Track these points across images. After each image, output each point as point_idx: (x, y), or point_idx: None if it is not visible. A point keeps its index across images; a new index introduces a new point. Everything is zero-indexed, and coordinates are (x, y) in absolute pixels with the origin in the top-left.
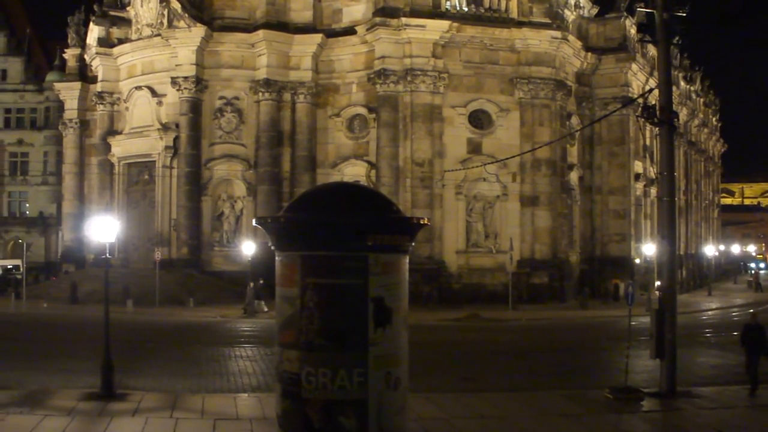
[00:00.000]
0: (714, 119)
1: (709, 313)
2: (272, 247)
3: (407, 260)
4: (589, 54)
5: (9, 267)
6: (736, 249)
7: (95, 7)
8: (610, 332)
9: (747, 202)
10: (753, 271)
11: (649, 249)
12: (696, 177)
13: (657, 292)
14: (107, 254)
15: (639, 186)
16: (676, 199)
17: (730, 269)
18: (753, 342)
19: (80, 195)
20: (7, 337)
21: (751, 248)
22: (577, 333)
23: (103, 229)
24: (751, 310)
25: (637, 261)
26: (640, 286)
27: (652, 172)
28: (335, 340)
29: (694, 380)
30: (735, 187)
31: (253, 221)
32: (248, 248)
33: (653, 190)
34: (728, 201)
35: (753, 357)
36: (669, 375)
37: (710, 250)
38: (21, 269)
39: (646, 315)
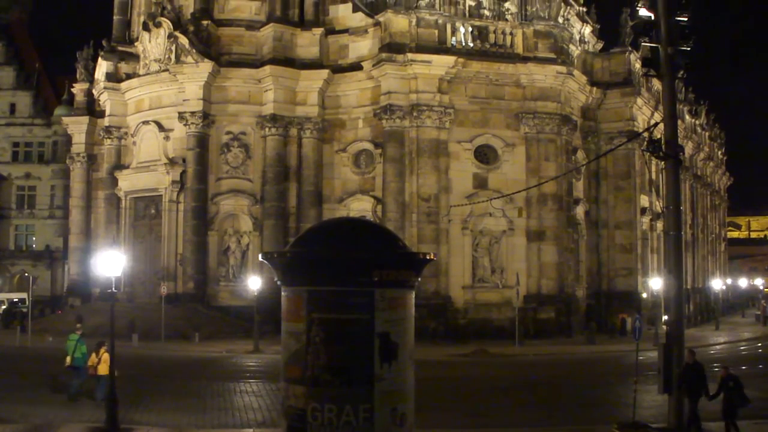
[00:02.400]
0: (719, 153)
1: (717, 347)
2: (278, 282)
3: (413, 295)
4: (594, 88)
5: (15, 300)
6: (743, 283)
7: (104, 43)
8: (617, 367)
9: (754, 235)
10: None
11: (655, 283)
12: (702, 210)
13: (664, 327)
14: (113, 288)
15: (645, 220)
16: (682, 233)
17: (738, 303)
18: (692, 382)
19: (87, 229)
20: (12, 370)
21: (759, 282)
22: (585, 368)
23: (110, 263)
24: (689, 348)
25: (644, 295)
26: (647, 321)
27: (659, 206)
28: (341, 376)
29: (702, 415)
30: (741, 220)
31: (259, 256)
32: (254, 283)
33: (659, 224)
34: (735, 234)
35: (693, 398)
36: (677, 410)
37: (717, 284)
38: (27, 302)
39: (654, 349)
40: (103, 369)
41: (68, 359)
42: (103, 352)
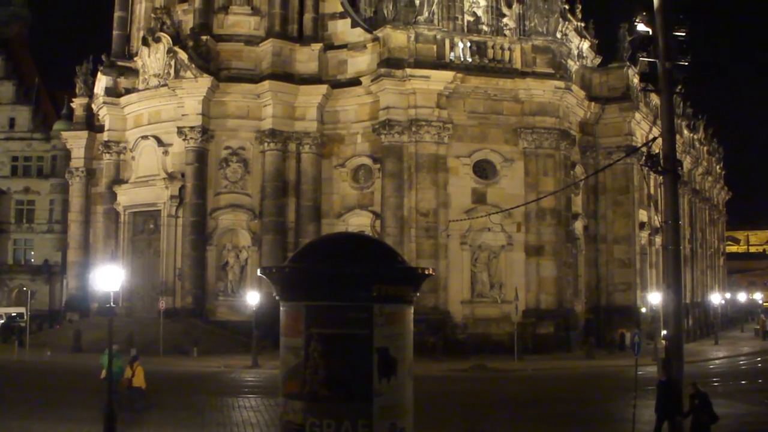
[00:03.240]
0: (718, 167)
1: (717, 362)
2: (277, 297)
3: (412, 310)
4: (593, 103)
5: (13, 315)
6: (742, 297)
7: (103, 57)
8: (616, 382)
9: (752, 249)
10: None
11: (654, 298)
12: (701, 225)
13: (663, 341)
14: (112, 303)
15: (644, 235)
16: (681, 247)
17: (737, 317)
18: (667, 399)
19: (85, 243)
20: (11, 385)
21: (758, 296)
22: (584, 383)
23: (108, 277)
24: (664, 364)
25: (643, 310)
26: (647, 336)
27: (657, 220)
28: (340, 391)
29: None
30: (740, 234)
31: (258, 271)
32: (253, 298)
33: (658, 239)
34: (734, 249)
35: (669, 416)
36: (676, 425)
37: (716, 299)
38: (25, 317)
39: (653, 364)
40: (138, 381)
41: (104, 372)
42: (137, 366)
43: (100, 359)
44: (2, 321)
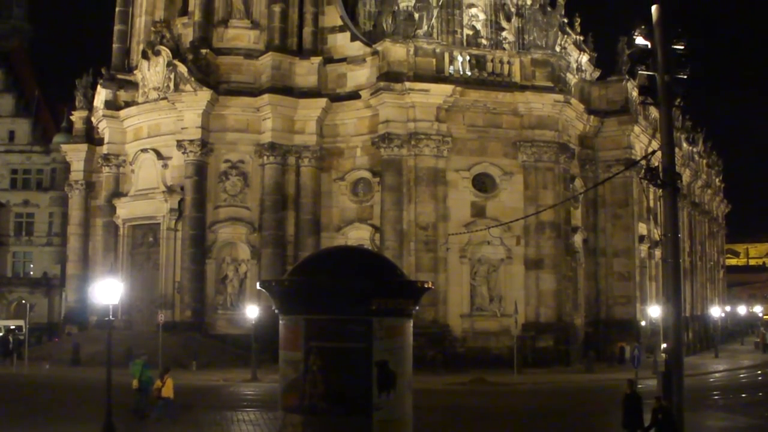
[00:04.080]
0: (717, 180)
1: (717, 375)
2: (276, 311)
3: (411, 324)
4: (592, 117)
5: (12, 327)
6: (742, 310)
7: (103, 71)
8: (616, 396)
9: (752, 262)
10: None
11: (654, 311)
12: (700, 238)
13: (663, 355)
14: (111, 316)
15: (643, 248)
16: (680, 260)
17: (737, 330)
18: (630, 413)
19: (85, 256)
20: (8, 398)
21: (758, 309)
22: (584, 397)
23: (107, 290)
24: (628, 379)
25: (643, 323)
26: (646, 349)
27: (657, 233)
28: (339, 404)
29: None
30: (740, 247)
31: (258, 284)
32: (252, 311)
33: (658, 252)
34: (733, 262)
35: (631, 430)
36: None
37: (716, 312)
38: (24, 330)
39: (653, 378)
40: (167, 392)
41: (135, 382)
42: (167, 378)
43: (131, 369)
44: (0, 334)
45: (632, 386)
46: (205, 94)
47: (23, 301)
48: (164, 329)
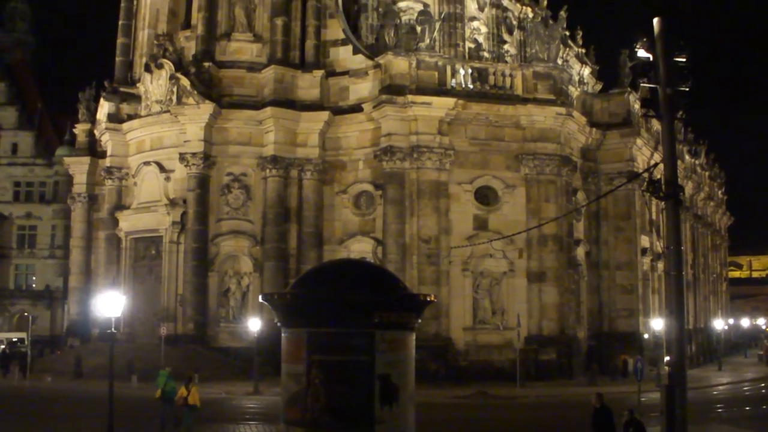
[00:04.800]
0: (720, 192)
1: (720, 387)
2: (278, 324)
3: (414, 337)
4: (594, 129)
5: (14, 340)
6: (745, 323)
7: (106, 84)
8: (619, 409)
9: (755, 275)
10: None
11: (657, 324)
12: (703, 250)
13: (666, 368)
14: (113, 329)
15: (646, 260)
16: (683, 273)
17: (740, 343)
18: (601, 427)
19: (87, 269)
20: (11, 411)
21: (761, 321)
22: (587, 410)
23: (110, 303)
24: (597, 392)
25: (646, 336)
26: (649, 362)
27: (659, 246)
28: (341, 418)
29: None
30: (743, 260)
31: (260, 297)
32: (254, 324)
33: (660, 265)
34: (736, 274)
35: None
36: None
37: (719, 324)
38: (26, 342)
39: (656, 391)
40: (193, 400)
41: (158, 392)
42: (192, 386)
43: (157, 381)
44: (3, 347)
45: (601, 399)
46: (207, 107)
47: (25, 314)
48: (166, 342)
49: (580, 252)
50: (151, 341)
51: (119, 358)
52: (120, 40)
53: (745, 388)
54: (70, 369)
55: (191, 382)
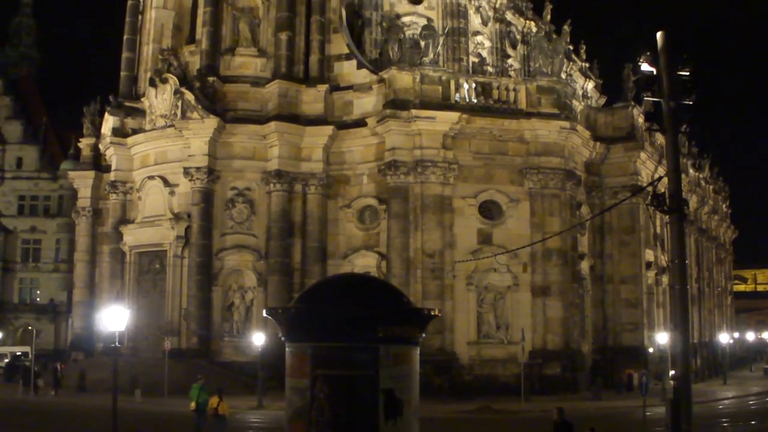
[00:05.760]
0: (724, 206)
1: (726, 402)
2: (282, 338)
3: (418, 351)
4: (598, 143)
5: (18, 354)
6: (750, 336)
7: (110, 98)
8: (624, 423)
9: (760, 288)
10: None
11: (662, 338)
12: (708, 264)
13: (671, 382)
14: (117, 343)
15: (650, 274)
16: (688, 287)
17: (746, 357)
18: None
19: (91, 283)
20: (14, 425)
21: (766, 335)
22: (592, 424)
23: (113, 317)
24: (557, 407)
25: (651, 350)
26: (654, 376)
27: (664, 260)
28: None
29: None
30: (747, 273)
31: (264, 312)
32: (258, 339)
33: (665, 279)
34: (741, 288)
35: None
36: None
37: (724, 338)
38: (30, 356)
39: (661, 405)
40: (222, 410)
41: (192, 404)
42: (222, 398)
43: (190, 393)
44: (7, 360)
45: (561, 414)
46: (212, 122)
47: (29, 328)
48: (170, 356)
49: (585, 266)
50: (155, 355)
51: (123, 372)
52: (125, 55)
53: (751, 402)
54: (73, 383)
55: (222, 393)
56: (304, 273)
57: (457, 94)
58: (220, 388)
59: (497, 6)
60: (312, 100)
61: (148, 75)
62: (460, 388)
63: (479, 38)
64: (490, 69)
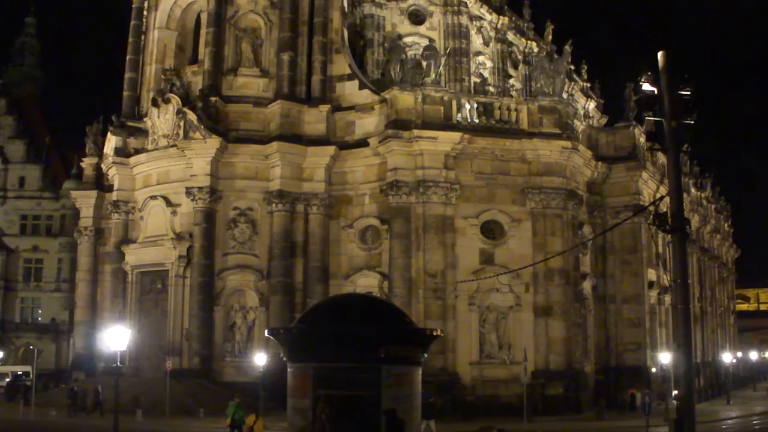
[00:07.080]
0: (726, 225)
1: (729, 422)
2: (284, 359)
3: (420, 372)
4: (600, 163)
5: (19, 373)
6: (753, 356)
7: (113, 118)
8: None
9: (763, 307)
10: None
11: (665, 357)
12: (710, 283)
13: (674, 402)
14: (118, 362)
15: (653, 294)
16: (690, 306)
17: (749, 376)
18: None
19: (93, 302)
20: None
21: None
22: None
23: (115, 337)
24: (499, 428)
25: (654, 370)
26: (657, 396)
27: (666, 279)
28: None
29: None
30: (750, 292)
31: (266, 332)
32: (260, 359)
33: (667, 298)
34: (744, 307)
35: None
36: None
37: (727, 358)
38: (31, 375)
39: (665, 425)
40: (258, 428)
41: (228, 420)
42: (259, 416)
43: (226, 410)
44: (8, 379)
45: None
46: (214, 142)
47: (31, 347)
48: (172, 376)
49: (587, 286)
50: (156, 375)
51: (124, 392)
52: (127, 75)
53: (755, 422)
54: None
55: (256, 413)
56: (306, 293)
57: (459, 115)
58: (256, 407)
59: (499, 26)
60: (314, 120)
61: (151, 95)
62: (462, 408)
63: (481, 58)
64: (491, 89)
